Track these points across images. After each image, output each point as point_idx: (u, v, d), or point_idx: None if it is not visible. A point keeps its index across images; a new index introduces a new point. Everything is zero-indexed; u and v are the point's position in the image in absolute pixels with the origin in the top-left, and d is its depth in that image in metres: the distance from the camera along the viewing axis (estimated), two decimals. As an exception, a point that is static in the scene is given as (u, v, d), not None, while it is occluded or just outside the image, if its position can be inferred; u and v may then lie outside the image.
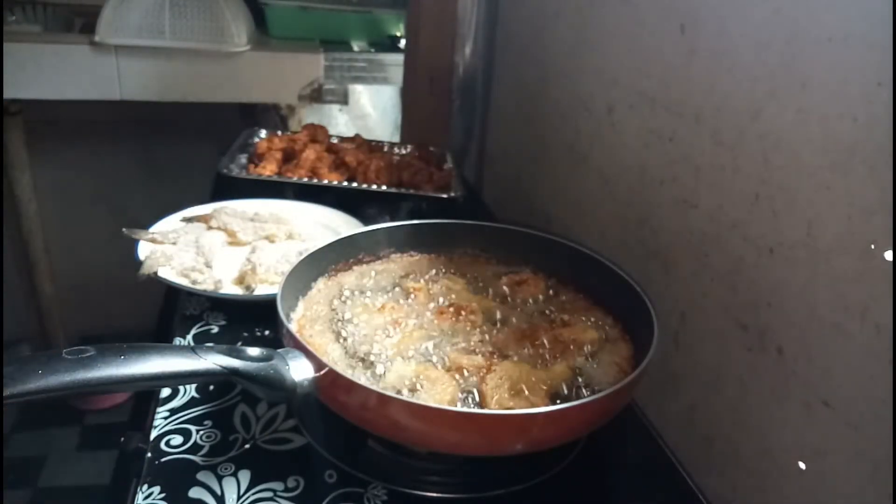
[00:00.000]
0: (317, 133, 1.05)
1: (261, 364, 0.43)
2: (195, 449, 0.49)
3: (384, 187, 0.93)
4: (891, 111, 0.38)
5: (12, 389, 0.35)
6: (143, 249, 0.70)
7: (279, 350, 0.46)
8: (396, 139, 1.46)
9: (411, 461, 0.49)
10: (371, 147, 1.06)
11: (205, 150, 1.56)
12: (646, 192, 0.67)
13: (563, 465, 0.51)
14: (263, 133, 1.08)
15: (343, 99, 1.54)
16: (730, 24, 0.53)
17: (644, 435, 0.58)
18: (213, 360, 0.42)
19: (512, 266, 0.67)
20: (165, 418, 0.52)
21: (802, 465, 0.47)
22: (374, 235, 0.66)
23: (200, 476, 0.47)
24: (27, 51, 1.28)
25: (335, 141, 1.07)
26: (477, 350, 0.53)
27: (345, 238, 0.65)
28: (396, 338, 0.53)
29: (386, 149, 1.08)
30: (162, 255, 0.69)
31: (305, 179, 0.93)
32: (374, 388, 0.44)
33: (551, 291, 0.64)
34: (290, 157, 0.99)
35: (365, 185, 0.93)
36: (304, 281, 0.60)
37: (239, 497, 0.45)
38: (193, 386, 0.56)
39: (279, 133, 1.07)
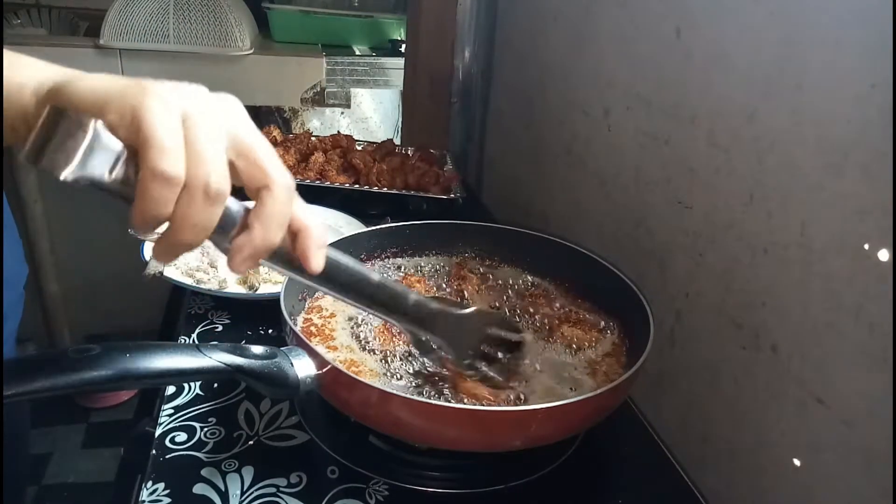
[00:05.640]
0: (341, 141, 1.05)
1: (265, 362, 0.44)
2: (199, 446, 0.50)
3: (385, 189, 0.94)
4: (884, 113, 0.39)
5: (18, 388, 0.35)
6: (149, 249, 0.71)
7: (283, 348, 0.47)
8: (397, 142, 1.47)
9: (412, 457, 0.50)
10: (377, 149, 1.07)
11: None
12: (641, 193, 0.68)
13: (561, 461, 0.52)
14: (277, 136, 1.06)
15: (345, 102, 1.55)
16: (725, 27, 0.54)
17: (640, 432, 0.58)
18: (217, 358, 0.43)
19: (511, 265, 0.68)
20: (170, 415, 0.53)
21: (797, 462, 0.47)
22: (375, 236, 0.67)
23: (204, 472, 0.48)
24: (32, 54, 1.30)
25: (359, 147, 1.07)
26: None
27: (346, 238, 0.66)
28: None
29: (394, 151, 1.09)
30: (167, 255, 0.70)
31: (308, 181, 0.94)
32: (375, 385, 0.44)
33: (549, 291, 0.65)
34: (304, 158, 1.00)
35: (367, 187, 0.94)
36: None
37: (242, 493, 0.46)
38: (198, 383, 0.57)
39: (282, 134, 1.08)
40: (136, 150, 0.30)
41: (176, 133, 0.30)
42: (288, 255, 0.35)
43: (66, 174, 0.28)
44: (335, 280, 0.38)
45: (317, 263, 0.36)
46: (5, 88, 0.32)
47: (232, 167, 0.32)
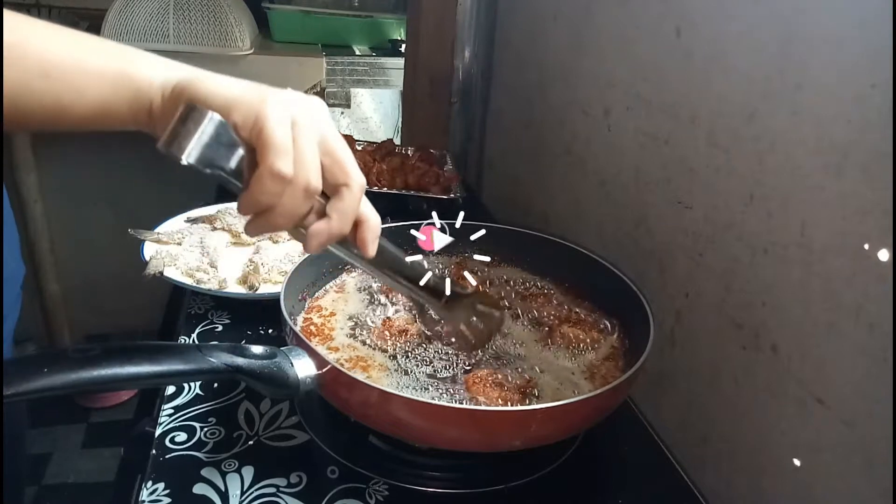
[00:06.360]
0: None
1: (264, 362, 0.44)
2: (199, 446, 0.50)
3: (385, 189, 0.94)
4: (884, 113, 0.39)
5: (17, 388, 0.35)
6: (149, 249, 0.71)
7: (283, 348, 0.47)
8: (397, 142, 1.47)
9: (412, 457, 0.50)
10: (377, 149, 1.07)
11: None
12: (641, 193, 0.68)
13: (561, 461, 0.52)
14: None
15: (345, 102, 1.55)
16: (725, 26, 0.54)
17: (640, 431, 0.59)
18: (217, 359, 0.43)
19: (511, 265, 0.68)
20: (170, 415, 0.53)
21: (797, 462, 0.47)
22: (375, 236, 0.67)
23: (204, 472, 0.48)
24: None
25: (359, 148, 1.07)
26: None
27: (346, 238, 0.66)
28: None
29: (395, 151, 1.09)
30: (167, 255, 0.70)
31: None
32: (374, 385, 0.44)
33: (549, 291, 0.65)
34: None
35: (367, 187, 0.94)
36: (306, 280, 0.61)
37: (242, 493, 0.46)
38: (198, 383, 0.57)
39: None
40: (251, 148, 0.35)
41: (289, 137, 0.36)
42: (348, 239, 0.42)
43: (194, 160, 0.33)
44: (379, 263, 0.45)
45: (372, 250, 0.43)
46: (134, 81, 0.38)
47: None
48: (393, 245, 0.47)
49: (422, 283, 0.48)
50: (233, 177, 0.36)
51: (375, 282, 0.64)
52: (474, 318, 0.53)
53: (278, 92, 0.38)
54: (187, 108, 0.34)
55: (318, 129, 0.38)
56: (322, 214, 0.39)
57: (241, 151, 0.36)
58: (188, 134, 0.33)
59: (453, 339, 0.53)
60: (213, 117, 0.34)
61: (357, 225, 0.42)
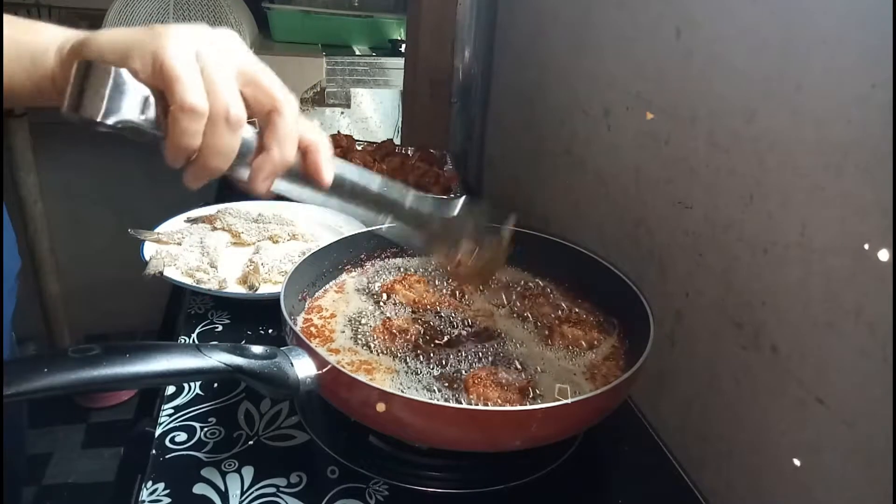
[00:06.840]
0: (341, 141, 1.05)
1: (264, 362, 0.44)
2: (199, 445, 0.50)
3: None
4: (885, 113, 0.39)
5: (18, 388, 0.35)
6: (149, 249, 0.71)
7: (283, 348, 0.47)
8: (397, 142, 1.47)
9: (412, 457, 0.50)
10: (377, 149, 1.07)
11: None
12: (641, 193, 0.68)
13: (561, 461, 0.52)
14: None
15: (345, 102, 1.55)
16: (725, 27, 0.54)
17: (640, 431, 0.59)
18: (217, 358, 0.43)
19: (511, 265, 0.68)
20: (170, 415, 0.53)
21: (797, 462, 0.47)
22: (375, 236, 0.67)
23: (204, 472, 0.48)
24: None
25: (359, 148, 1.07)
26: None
27: (346, 238, 0.66)
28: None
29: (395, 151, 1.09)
30: (167, 255, 0.70)
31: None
32: (374, 385, 0.44)
33: (549, 291, 0.65)
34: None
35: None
36: (306, 280, 0.61)
37: (242, 493, 0.46)
38: (198, 383, 0.57)
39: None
40: (160, 93, 0.33)
41: (195, 69, 0.33)
42: (300, 172, 0.38)
43: (104, 118, 0.32)
44: (342, 190, 0.41)
45: (328, 175, 0.39)
46: (28, 49, 0.36)
47: (241, 96, 0.36)
48: (358, 169, 0.42)
49: (405, 205, 0.44)
50: (152, 129, 0.34)
51: (375, 281, 0.64)
52: (467, 243, 0.48)
53: (179, 27, 0.35)
54: (82, 66, 0.32)
55: (230, 57, 0.35)
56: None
57: (150, 99, 0.33)
58: (88, 92, 0.31)
59: (450, 268, 0.48)
60: (111, 69, 0.32)
61: (304, 153, 0.38)
